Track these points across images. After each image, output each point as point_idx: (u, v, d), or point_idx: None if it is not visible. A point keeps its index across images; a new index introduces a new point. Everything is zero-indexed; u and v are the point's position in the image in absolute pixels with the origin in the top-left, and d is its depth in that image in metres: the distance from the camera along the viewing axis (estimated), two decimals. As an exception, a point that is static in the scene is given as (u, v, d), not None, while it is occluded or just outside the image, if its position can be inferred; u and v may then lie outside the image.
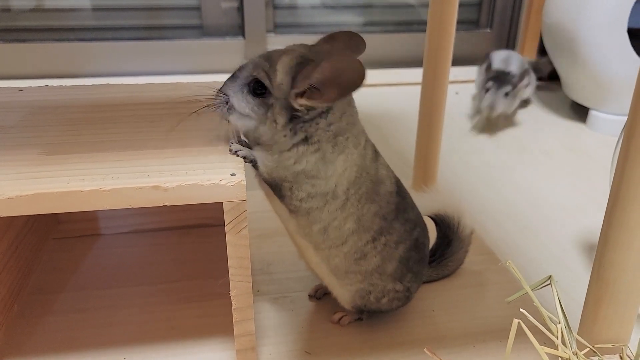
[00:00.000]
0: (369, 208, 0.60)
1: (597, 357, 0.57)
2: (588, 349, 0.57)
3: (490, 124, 1.41)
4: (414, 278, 0.66)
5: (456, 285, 0.78)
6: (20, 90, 0.75)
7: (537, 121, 1.50)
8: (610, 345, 0.57)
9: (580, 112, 1.52)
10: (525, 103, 1.56)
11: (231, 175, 0.53)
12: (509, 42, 1.93)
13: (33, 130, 0.62)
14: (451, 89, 1.27)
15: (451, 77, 0.97)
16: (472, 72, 1.70)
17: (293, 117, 0.55)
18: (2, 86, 0.77)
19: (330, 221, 0.59)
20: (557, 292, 0.57)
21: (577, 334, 0.60)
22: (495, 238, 0.94)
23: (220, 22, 1.76)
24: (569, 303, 0.75)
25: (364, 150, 0.59)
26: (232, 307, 0.58)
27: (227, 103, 0.57)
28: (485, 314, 0.73)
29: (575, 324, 0.62)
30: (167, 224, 0.88)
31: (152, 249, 0.83)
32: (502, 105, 1.33)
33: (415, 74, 1.36)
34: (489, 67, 1.41)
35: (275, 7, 1.78)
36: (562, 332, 0.54)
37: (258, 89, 0.55)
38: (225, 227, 0.54)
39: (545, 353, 0.52)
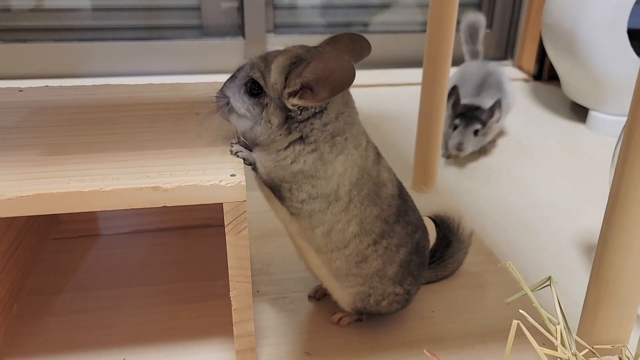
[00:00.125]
0: (372, 211, 0.60)
1: (596, 358, 0.57)
2: (587, 349, 0.57)
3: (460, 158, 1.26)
4: (414, 281, 0.66)
5: (456, 286, 0.78)
6: (20, 90, 0.75)
7: (537, 121, 1.50)
8: (609, 346, 0.57)
9: (579, 112, 1.52)
10: (498, 134, 1.37)
11: (231, 176, 0.53)
12: (509, 43, 1.93)
13: (33, 131, 0.62)
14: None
15: (451, 78, 0.97)
16: (471, 73, 1.70)
17: (288, 117, 0.55)
18: (2, 86, 0.77)
19: (334, 224, 0.59)
20: (556, 293, 0.57)
21: (577, 334, 0.60)
22: (494, 239, 0.94)
23: (220, 22, 1.76)
24: (568, 304, 0.75)
25: (365, 152, 0.59)
26: (232, 308, 0.58)
27: (227, 104, 0.57)
28: (485, 314, 0.73)
29: (574, 324, 0.62)
30: (167, 224, 0.88)
31: (151, 249, 0.83)
32: (472, 145, 1.19)
33: (416, 75, 1.35)
34: (456, 102, 1.21)
35: (275, 7, 1.78)
36: (561, 333, 0.54)
37: (254, 89, 0.56)
38: (225, 228, 0.54)
39: (545, 354, 0.52)
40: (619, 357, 0.57)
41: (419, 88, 0.97)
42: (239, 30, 1.77)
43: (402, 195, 0.64)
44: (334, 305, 0.70)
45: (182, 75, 1.73)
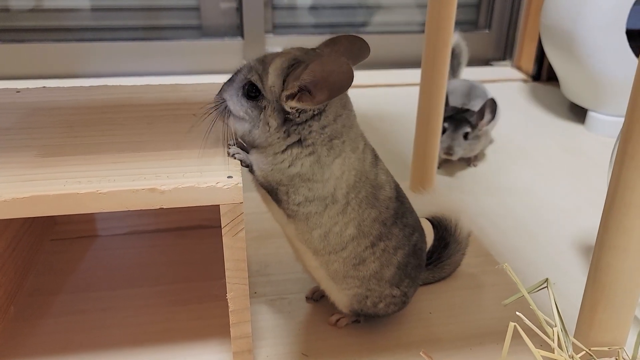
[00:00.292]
0: (369, 213, 0.60)
1: (593, 360, 0.57)
2: (584, 352, 0.57)
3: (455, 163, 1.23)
4: (411, 283, 0.66)
5: (453, 288, 0.78)
6: (18, 91, 0.75)
7: (535, 122, 1.50)
8: (606, 349, 0.57)
9: (578, 113, 1.52)
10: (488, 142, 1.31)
11: (228, 177, 0.53)
12: (508, 43, 1.93)
13: (30, 132, 0.62)
14: (449, 90, 1.27)
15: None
16: (470, 73, 1.70)
17: (286, 119, 0.55)
18: (0, 87, 0.77)
19: (331, 226, 0.59)
20: (553, 295, 0.57)
21: (574, 336, 0.60)
22: (492, 240, 0.94)
23: (219, 23, 1.76)
24: (566, 305, 0.75)
25: (362, 155, 0.59)
26: (229, 310, 0.58)
27: (225, 107, 0.57)
28: (482, 316, 0.73)
29: (572, 326, 0.62)
30: (165, 225, 0.87)
31: (149, 250, 0.83)
32: (462, 149, 1.13)
33: (415, 75, 1.36)
34: (445, 105, 1.09)
35: (274, 7, 1.78)
36: (558, 335, 0.54)
37: (252, 92, 0.55)
38: (222, 230, 0.54)
39: (542, 356, 0.52)
40: (616, 359, 0.57)
41: (417, 88, 0.97)
42: (238, 30, 1.77)
43: (399, 197, 0.64)
44: (331, 307, 0.70)
45: (181, 75, 1.73)
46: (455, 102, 1.24)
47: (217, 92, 0.59)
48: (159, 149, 0.58)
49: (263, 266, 0.81)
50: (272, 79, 0.55)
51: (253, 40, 1.75)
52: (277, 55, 0.56)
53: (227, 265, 0.56)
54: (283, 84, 0.54)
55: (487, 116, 1.15)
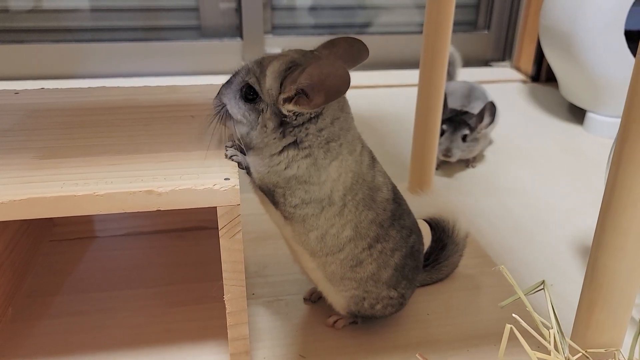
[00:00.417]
0: (366, 215, 0.60)
1: (589, 361, 0.57)
2: (580, 354, 0.57)
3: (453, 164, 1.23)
4: (408, 285, 0.66)
5: (451, 289, 0.78)
6: (16, 92, 0.75)
7: (534, 123, 1.50)
8: (602, 350, 0.57)
9: (577, 114, 1.52)
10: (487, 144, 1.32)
11: (225, 179, 0.53)
12: (507, 44, 1.93)
13: (28, 134, 0.62)
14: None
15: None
16: (469, 74, 1.70)
17: (283, 122, 0.55)
18: (-1, 88, 0.77)
19: (328, 228, 0.59)
20: (549, 297, 0.57)
21: (571, 338, 0.60)
22: (490, 241, 0.94)
23: (218, 23, 1.76)
24: (564, 306, 0.75)
25: (359, 157, 0.59)
26: (226, 311, 0.58)
27: (224, 110, 0.57)
28: (480, 317, 0.73)
29: (570, 327, 0.62)
30: (163, 226, 0.88)
31: (147, 251, 0.83)
32: (460, 151, 1.13)
33: (414, 76, 1.36)
34: (444, 107, 1.07)
35: (273, 8, 1.78)
36: (554, 337, 0.54)
37: (250, 95, 0.56)
38: (219, 232, 0.54)
39: (538, 358, 0.52)
40: (613, 360, 0.57)
41: (416, 89, 0.97)
42: (237, 31, 1.77)
43: (397, 199, 0.64)
44: (329, 308, 0.70)
45: (180, 76, 1.73)
46: (455, 103, 1.24)
47: (215, 95, 0.59)
48: (157, 150, 0.58)
49: (261, 267, 0.81)
50: (270, 82, 0.55)
51: (252, 41, 1.75)
52: (274, 57, 0.56)
53: (225, 267, 0.56)
54: (280, 87, 0.54)
55: (487, 119, 1.15)
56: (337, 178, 0.57)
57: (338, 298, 0.66)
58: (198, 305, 0.72)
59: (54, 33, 1.69)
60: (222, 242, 0.54)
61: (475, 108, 1.21)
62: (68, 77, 1.67)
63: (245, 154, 0.58)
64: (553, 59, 1.49)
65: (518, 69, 1.88)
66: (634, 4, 1.27)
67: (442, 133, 1.13)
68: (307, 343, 0.68)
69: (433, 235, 0.78)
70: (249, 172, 0.58)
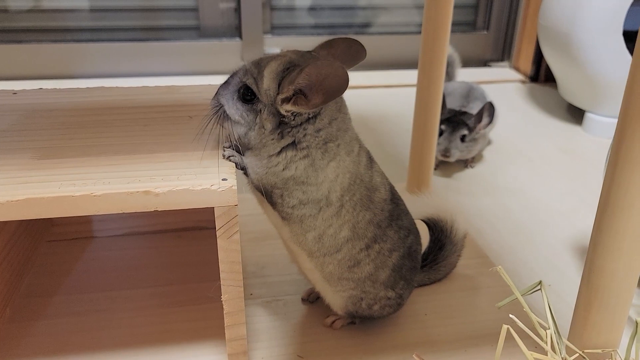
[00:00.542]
0: (364, 215, 0.60)
1: (586, 362, 0.57)
2: (577, 354, 0.57)
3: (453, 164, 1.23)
4: (406, 285, 0.67)
5: (449, 289, 0.78)
6: (14, 93, 0.75)
7: (533, 123, 1.50)
8: (599, 351, 0.57)
9: (576, 114, 1.52)
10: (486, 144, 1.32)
11: (222, 180, 0.53)
12: (506, 44, 1.93)
13: (26, 134, 0.62)
14: (447, 91, 1.27)
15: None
16: (468, 74, 1.70)
17: (281, 122, 0.55)
18: (-3, 88, 0.77)
19: (326, 229, 0.59)
20: (547, 297, 0.57)
21: (568, 339, 0.60)
22: (489, 241, 0.94)
23: (217, 24, 1.76)
24: (562, 307, 0.75)
25: (357, 157, 0.59)
26: (224, 312, 0.58)
27: (222, 111, 0.57)
28: (478, 318, 0.73)
29: (567, 327, 0.62)
30: (161, 226, 0.88)
31: (145, 251, 0.83)
32: (459, 151, 1.13)
33: (413, 76, 1.36)
34: (442, 107, 1.06)
35: (272, 8, 1.78)
36: (551, 338, 0.54)
37: (247, 95, 0.56)
38: (217, 232, 0.54)
39: (535, 359, 0.52)
40: (610, 361, 0.57)
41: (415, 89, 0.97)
42: (236, 31, 1.77)
43: (394, 199, 0.64)
44: (327, 308, 0.70)
45: (179, 76, 1.73)
46: (454, 103, 1.24)
47: (212, 96, 0.59)
48: (155, 151, 0.58)
49: (259, 268, 0.81)
50: (268, 83, 0.55)
51: (251, 41, 1.75)
52: (272, 58, 0.56)
53: (222, 267, 0.56)
54: (278, 88, 0.54)
55: (485, 119, 1.15)
56: (335, 179, 0.57)
57: (336, 298, 0.66)
58: (196, 306, 0.72)
59: (52, 33, 1.69)
60: (220, 242, 0.54)
61: (474, 108, 1.21)
62: (67, 77, 1.67)
63: (242, 154, 0.58)
64: (552, 59, 1.49)
65: (517, 69, 1.88)
66: (632, 4, 1.27)
67: (441, 133, 1.13)
68: (305, 343, 0.68)
69: (431, 235, 0.78)
70: (246, 173, 0.58)
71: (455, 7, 0.90)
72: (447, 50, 1.25)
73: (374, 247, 0.62)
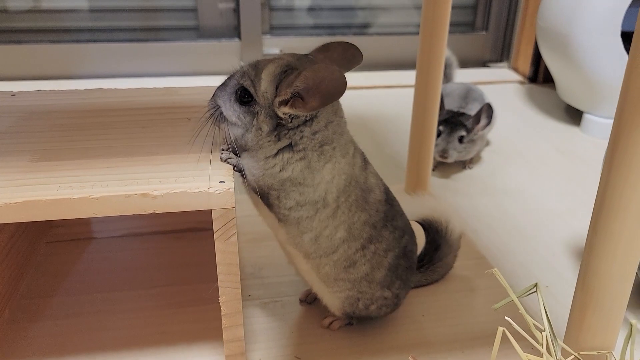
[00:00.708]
0: (359, 216, 0.60)
1: (582, 363, 0.57)
2: (573, 356, 0.57)
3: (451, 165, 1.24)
4: (402, 285, 0.67)
5: (446, 290, 0.79)
6: (13, 94, 0.76)
7: (531, 124, 1.50)
8: (595, 353, 0.57)
9: (574, 115, 1.53)
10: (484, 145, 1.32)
11: (220, 182, 0.53)
12: (504, 45, 1.93)
13: (24, 136, 0.62)
14: (445, 92, 1.28)
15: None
16: (467, 75, 1.71)
17: (278, 124, 0.56)
18: (-3, 89, 0.77)
19: (322, 230, 0.59)
20: (542, 299, 0.57)
21: (564, 341, 0.60)
22: (486, 242, 0.94)
23: (216, 24, 1.76)
24: (559, 308, 0.75)
25: (352, 159, 0.60)
26: (222, 313, 0.58)
27: (219, 112, 0.58)
28: (475, 319, 0.73)
29: (564, 329, 0.62)
30: (160, 227, 0.88)
31: (144, 252, 0.84)
32: (457, 152, 1.14)
33: (412, 77, 1.36)
34: (440, 108, 1.08)
35: (271, 8, 1.78)
36: (547, 340, 0.54)
37: (244, 97, 0.56)
38: (214, 234, 0.54)
39: (530, 360, 0.52)
40: (605, 363, 0.57)
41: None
42: (235, 31, 1.77)
43: (389, 200, 0.64)
44: (324, 309, 0.70)
45: (178, 76, 1.73)
46: (452, 104, 1.24)
47: (210, 97, 0.59)
48: (152, 153, 0.59)
49: (257, 269, 0.82)
50: (265, 85, 0.55)
51: (250, 42, 1.75)
52: (270, 61, 0.57)
53: (220, 269, 0.56)
54: (276, 90, 0.55)
55: (483, 121, 1.15)
56: (331, 180, 0.57)
57: (333, 299, 0.66)
58: (194, 307, 0.73)
59: (52, 33, 1.69)
60: (217, 244, 0.55)
61: (472, 109, 1.22)
62: (66, 78, 1.67)
63: (238, 156, 0.59)
64: (550, 60, 1.49)
65: (515, 69, 1.88)
66: (630, 6, 1.28)
67: (439, 134, 1.14)
68: (303, 344, 0.68)
69: (427, 236, 0.78)
70: (243, 175, 0.59)
71: (454, 7, 0.90)
72: (445, 50, 1.26)
73: (370, 248, 0.62)
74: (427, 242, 0.78)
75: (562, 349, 0.58)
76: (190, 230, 0.88)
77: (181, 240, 0.86)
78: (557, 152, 1.33)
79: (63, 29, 1.70)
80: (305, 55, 0.59)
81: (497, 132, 1.39)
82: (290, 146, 0.56)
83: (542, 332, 0.54)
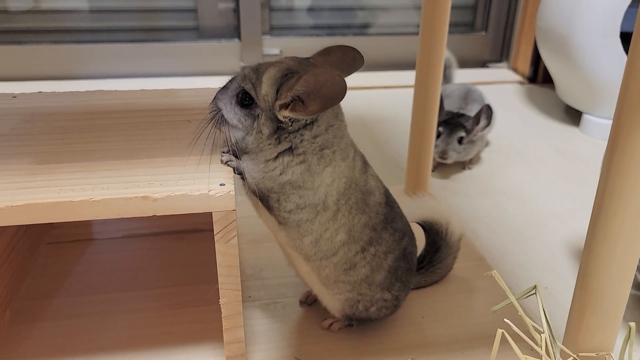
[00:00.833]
0: (360, 219, 0.61)
1: (581, 365, 0.58)
2: (572, 358, 0.57)
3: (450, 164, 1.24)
4: (402, 287, 0.67)
5: (446, 292, 0.79)
6: (14, 96, 0.76)
7: (531, 125, 1.50)
8: (594, 354, 0.57)
9: (573, 115, 1.53)
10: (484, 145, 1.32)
11: (220, 185, 0.53)
12: (504, 46, 1.93)
13: (25, 139, 0.63)
14: (445, 93, 1.28)
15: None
16: (466, 75, 1.71)
17: (278, 128, 0.56)
18: (-3, 91, 0.78)
19: (322, 233, 0.59)
20: (541, 301, 0.57)
21: (562, 342, 0.61)
22: (486, 243, 0.94)
23: (216, 24, 1.76)
24: (558, 309, 0.76)
25: (352, 162, 0.60)
26: (222, 315, 0.58)
27: (220, 115, 0.58)
28: (475, 320, 0.73)
29: (563, 329, 0.62)
30: (161, 228, 0.88)
31: (145, 253, 0.84)
32: (456, 153, 1.14)
33: (412, 77, 1.36)
34: (440, 109, 1.10)
35: (271, 9, 1.79)
36: (546, 342, 0.54)
37: (245, 100, 0.56)
38: (215, 237, 0.54)
39: (529, 362, 0.52)
40: (604, 364, 0.57)
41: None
42: (235, 32, 1.77)
43: (389, 202, 0.65)
44: (324, 311, 0.70)
45: (178, 77, 1.73)
46: (452, 105, 1.24)
47: (211, 99, 0.60)
48: (153, 155, 0.59)
49: (257, 270, 0.82)
50: (266, 89, 0.55)
51: (250, 42, 1.75)
52: (271, 64, 0.57)
53: (220, 271, 0.56)
54: (276, 94, 0.55)
55: (483, 122, 1.16)
56: (331, 183, 0.58)
57: (333, 301, 0.66)
58: (195, 308, 0.73)
59: (52, 34, 1.70)
60: (218, 246, 0.55)
61: (472, 110, 1.22)
62: (66, 78, 1.68)
63: (239, 159, 0.59)
64: (550, 60, 1.49)
65: (515, 70, 1.89)
66: (630, 6, 1.28)
67: (439, 135, 1.14)
68: (303, 346, 0.68)
69: (427, 238, 0.78)
70: (243, 177, 0.59)
71: (454, 8, 0.90)
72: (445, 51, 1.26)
73: (370, 250, 0.62)
74: (427, 243, 0.78)
75: (561, 351, 0.58)
76: (191, 231, 0.89)
77: (182, 241, 0.87)
78: (557, 153, 1.33)
79: (63, 30, 1.70)
80: (307, 59, 0.59)
81: (497, 133, 1.39)
82: (290, 149, 0.56)
83: (541, 334, 0.55)
